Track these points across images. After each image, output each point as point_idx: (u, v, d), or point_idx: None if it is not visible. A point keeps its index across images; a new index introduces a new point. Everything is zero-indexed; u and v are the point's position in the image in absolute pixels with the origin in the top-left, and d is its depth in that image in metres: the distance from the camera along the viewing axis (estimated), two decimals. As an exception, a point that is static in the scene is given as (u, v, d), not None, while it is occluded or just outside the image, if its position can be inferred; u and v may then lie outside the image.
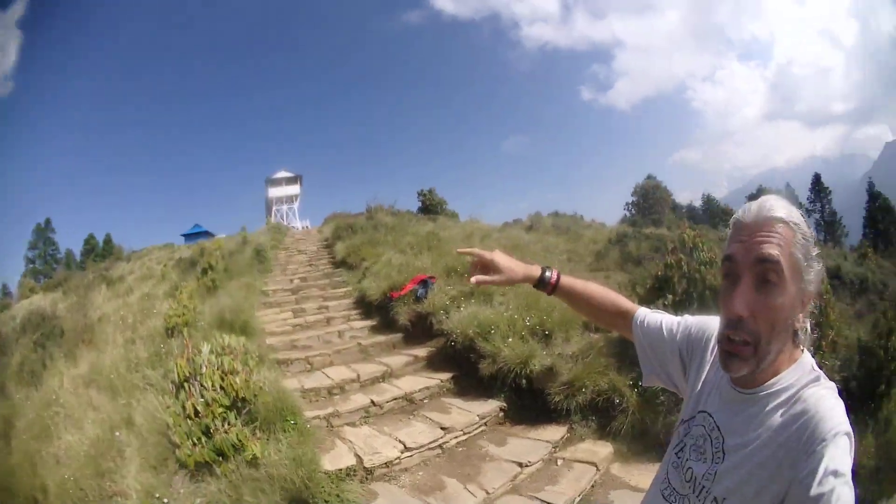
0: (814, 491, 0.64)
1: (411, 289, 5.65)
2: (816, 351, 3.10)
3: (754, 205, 0.78)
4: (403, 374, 4.41)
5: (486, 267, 1.14)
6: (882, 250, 18.18)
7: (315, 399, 3.90)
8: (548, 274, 1.14)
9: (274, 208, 36.58)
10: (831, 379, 0.79)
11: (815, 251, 0.77)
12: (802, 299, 0.77)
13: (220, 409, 2.85)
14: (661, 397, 3.28)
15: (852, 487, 0.65)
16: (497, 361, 3.87)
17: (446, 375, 4.27)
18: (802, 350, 0.82)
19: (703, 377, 0.92)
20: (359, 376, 4.20)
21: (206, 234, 28.30)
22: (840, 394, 0.77)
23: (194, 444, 2.68)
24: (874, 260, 10.65)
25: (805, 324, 0.80)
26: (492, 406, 3.80)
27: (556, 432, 3.49)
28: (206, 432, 2.74)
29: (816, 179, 32.47)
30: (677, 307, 3.57)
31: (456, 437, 3.44)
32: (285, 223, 27.23)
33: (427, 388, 4.08)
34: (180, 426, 2.76)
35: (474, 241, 7.81)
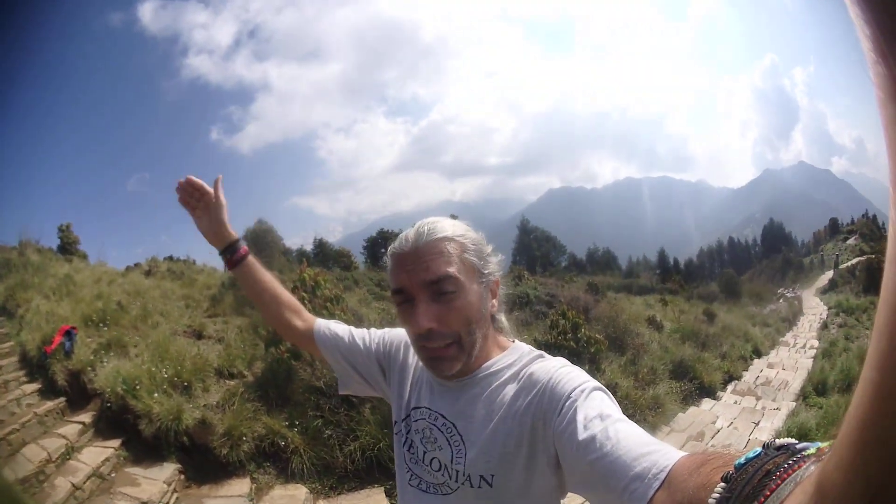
0: (584, 435, 0.60)
1: (59, 342, 4.89)
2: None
3: (411, 234, 0.78)
4: (83, 447, 3.83)
5: (200, 194, 1.06)
6: (542, 272, 23.44)
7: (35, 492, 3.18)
8: (240, 246, 1.07)
9: None
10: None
11: (488, 248, 0.82)
12: (490, 288, 0.81)
13: None
14: (328, 431, 3.58)
15: (632, 423, 0.61)
16: (153, 420, 3.73)
17: (117, 442, 3.88)
18: (514, 340, 0.87)
19: (409, 379, 0.93)
20: (50, 456, 3.52)
21: None
22: None
23: None
24: (532, 280, 12.34)
25: (501, 311, 0.86)
26: (170, 470, 3.63)
27: (242, 486, 3.56)
28: None
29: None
30: None
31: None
32: None
33: (108, 459, 3.71)
34: None
35: (102, 287, 6.93)
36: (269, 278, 1.09)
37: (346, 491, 3.50)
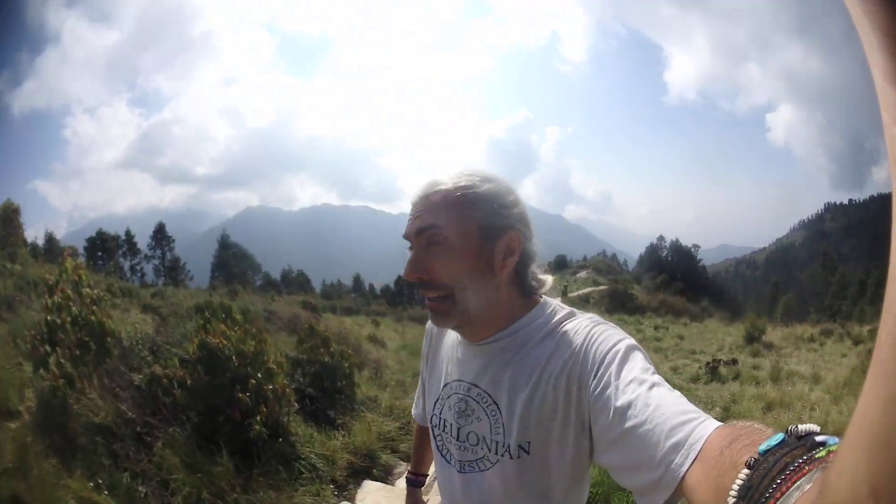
0: (620, 401, 0.58)
1: None
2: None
3: (421, 184, 0.79)
4: None
5: None
6: (242, 287, 21.20)
7: None
8: (409, 478, 1.21)
9: None
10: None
11: (507, 200, 0.77)
12: (506, 242, 0.76)
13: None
14: (141, 487, 2.63)
15: (667, 387, 0.58)
16: None
17: None
18: (543, 298, 0.82)
19: (439, 362, 0.93)
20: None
21: None
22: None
23: None
24: (244, 296, 12.38)
25: (536, 269, 0.81)
26: None
27: None
28: None
29: (160, 228, 36.37)
30: (76, 362, 3.03)
31: None
32: None
33: None
34: None
35: None
36: (420, 447, 1.18)
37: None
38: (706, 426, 0.49)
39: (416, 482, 1.21)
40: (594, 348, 0.68)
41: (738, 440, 0.44)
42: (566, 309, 0.80)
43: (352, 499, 2.96)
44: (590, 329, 0.72)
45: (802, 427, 0.39)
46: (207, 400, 2.88)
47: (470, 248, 0.74)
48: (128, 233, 34.30)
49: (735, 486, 0.38)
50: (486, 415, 0.78)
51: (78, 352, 3.01)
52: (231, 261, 36.58)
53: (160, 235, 35.93)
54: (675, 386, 0.64)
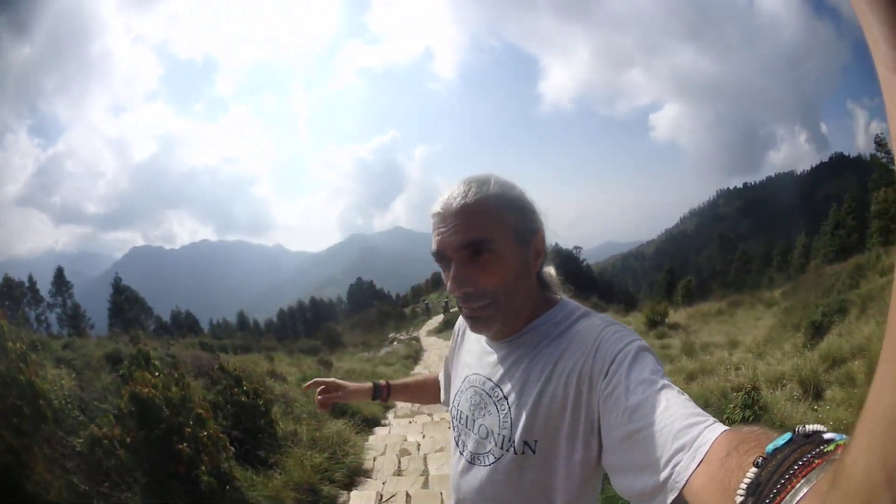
0: (629, 401, 0.59)
1: None
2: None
3: (446, 194, 0.77)
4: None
5: (328, 390, 1.24)
6: (137, 333, 20.17)
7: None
8: (381, 383, 1.29)
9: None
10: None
11: (530, 202, 0.79)
12: (533, 245, 0.78)
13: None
14: None
15: (676, 389, 0.59)
16: None
17: None
18: (561, 298, 0.84)
19: (463, 354, 0.96)
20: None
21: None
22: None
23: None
24: (148, 343, 11.72)
25: (550, 268, 0.85)
26: None
27: None
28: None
29: (59, 273, 34.14)
30: (16, 433, 2.80)
31: None
32: None
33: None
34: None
35: None
36: (412, 383, 1.33)
37: None
38: (713, 429, 0.49)
39: (380, 390, 1.28)
40: (606, 348, 0.68)
41: (744, 443, 0.44)
42: (582, 308, 0.82)
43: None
44: (602, 329, 0.72)
45: (810, 427, 0.39)
46: (149, 457, 2.79)
47: (513, 255, 0.76)
48: (30, 279, 31.88)
49: (743, 485, 0.38)
50: (497, 409, 0.80)
51: (15, 420, 2.75)
52: (125, 305, 35.24)
53: (59, 281, 33.56)
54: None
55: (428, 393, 1.25)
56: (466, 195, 0.75)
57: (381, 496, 3.31)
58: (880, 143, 27.13)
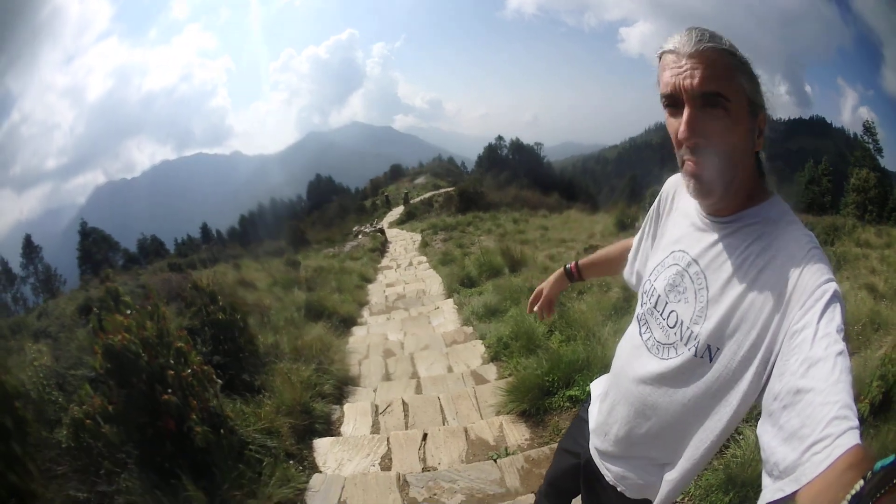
0: (813, 352, 0.57)
1: None
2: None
3: (686, 35, 0.69)
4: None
5: (537, 298, 1.30)
6: (105, 272, 19.77)
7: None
8: (570, 266, 1.27)
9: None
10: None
11: (756, 73, 0.70)
12: (759, 122, 0.71)
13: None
14: None
15: (847, 360, 0.56)
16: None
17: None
18: (772, 192, 0.76)
19: (669, 225, 0.89)
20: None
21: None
22: None
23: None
24: (116, 280, 11.03)
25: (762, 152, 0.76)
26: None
27: None
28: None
29: (27, 241, 33.02)
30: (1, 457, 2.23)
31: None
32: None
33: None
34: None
35: None
36: (598, 259, 1.25)
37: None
38: (851, 436, 0.50)
39: (571, 273, 1.27)
40: (809, 276, 0.64)
41: (866, 460, 0.47)
42: (791, 212, 0.75)
43: (314, 466, 2.59)
44: (809, 249, 0.68)
45: None
46: (136, 422, 2.32)
47: (744, 121, 0.70)
48: (2, 261, 30.73)
49: (848, 496, 0.41)
50: (695, 298, 0.76)
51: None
52: (93, 248, 34.73)
53: (29, 249, 32.94)
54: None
55: (620, 265, 1.14)
56: (706, 39, 0.67)
57: (377, 407, 3.11)
58: (868, 129, 28.20)
